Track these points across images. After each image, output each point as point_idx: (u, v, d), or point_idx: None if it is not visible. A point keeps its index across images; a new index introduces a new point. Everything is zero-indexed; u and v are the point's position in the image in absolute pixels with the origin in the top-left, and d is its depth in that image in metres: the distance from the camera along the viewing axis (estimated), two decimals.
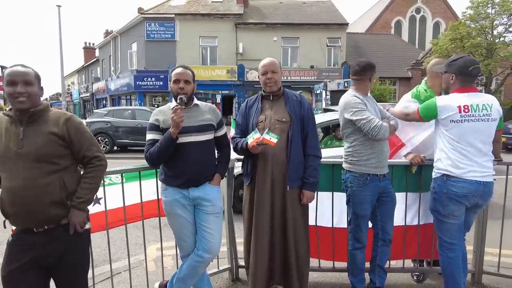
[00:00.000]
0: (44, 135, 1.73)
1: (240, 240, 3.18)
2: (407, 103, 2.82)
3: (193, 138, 2.27)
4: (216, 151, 2.49)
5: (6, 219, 1.78)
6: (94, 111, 15.17)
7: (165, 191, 2.33)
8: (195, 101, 2.38)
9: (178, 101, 2.20)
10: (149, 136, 2.30)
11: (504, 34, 17.30)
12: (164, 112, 2.31)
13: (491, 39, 17.09)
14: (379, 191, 2.52)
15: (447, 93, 2.54)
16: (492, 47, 16.95)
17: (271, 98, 2.54)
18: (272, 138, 2.27)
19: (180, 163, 2.26)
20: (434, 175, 2.48)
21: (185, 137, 2.24)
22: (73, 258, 1.84)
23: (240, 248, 3.10)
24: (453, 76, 2.36)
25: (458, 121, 2.28)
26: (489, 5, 16.77)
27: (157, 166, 2.36)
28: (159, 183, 2.56)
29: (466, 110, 2.27)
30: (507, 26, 17.01)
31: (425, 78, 2.87)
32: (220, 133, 2.45)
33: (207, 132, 2.33)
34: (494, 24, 16.97)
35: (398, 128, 2.65)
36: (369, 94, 2.63)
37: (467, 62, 2.31)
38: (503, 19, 16.89)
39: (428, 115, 2.42)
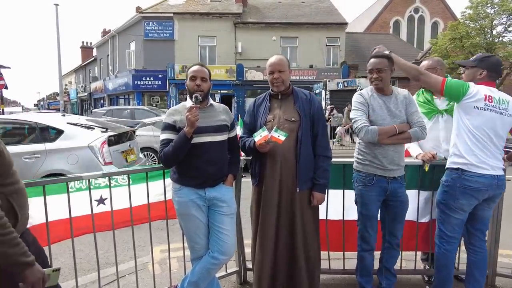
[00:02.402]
0: None
1: (248, 241, 3.12)
2: None
3: (211, 138, 2.24)
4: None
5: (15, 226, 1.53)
6: (93, 110, 15.07)
7: (179, 191, 2.27)
8: (211, 101, 2.35)
9: (193, 100, 2.15)
10: (164, 135, 2.24)
11: (504, 34, 17.38)
12: (180, 111, 2.26)
13: (491, 38, 17.15)
14: (386, 193, 2.46)
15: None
16: (492, 47, 16.97)
17: (279, 97, 2.48)
18: (280, 136, 2.21)
19: (198, 163, 2.21)
20: (448, 165, 2.47)
21: (203, 137, 2.20)
22: None
23: (248, 250, 3.04)
24: (484, 71, 2.44)
25: (482, 108, 2.33)
26: (489, 5, 16.81)
27: (171, 166, 2.29)
28: (167, 183, 2.50)
29: (490, 100, 2.34)
30: (506, 26, 17.06)
31: None
32: (232, 134, 2.43)
33: (223, 133, 2.31)
34: (493, 24, 17.02)
35: (421, 136, 2.44)
36: (396, 92, 2.50)
37: (499, 61, 2.49)
38: (502, 19, 16.94)
39: (454, 90, 2.38)
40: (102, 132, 4.84)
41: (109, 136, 4.88)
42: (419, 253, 3.05)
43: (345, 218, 2.86)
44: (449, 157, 2.49)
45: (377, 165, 2.42)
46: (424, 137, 2.47)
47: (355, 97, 2.51)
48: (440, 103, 2.83)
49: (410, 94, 2.56)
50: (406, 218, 2.65)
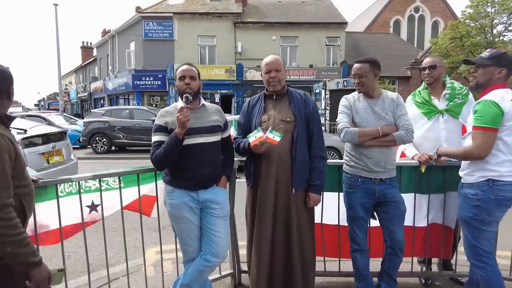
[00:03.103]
0: None
1: (241, 243, 3.09)
2: (407, 109, 2.76)
3: (204, 139, 2.21)
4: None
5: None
6: (92, 110, 15.06)
7: (172, 193, 2.23)
8: (202, 101, 2.31)
9: (184, 100, 2.11)
10: (155, 137, 2.21)
11: (504, 33, 17.29)
12: (171, 113, 2.22)
13: (491, 38, 17.06)
14: (376, 196, 2.43)
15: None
16: (492, 46, 16.89)
17: (274, 98, 2.46)
18: (275, 137, 2.19)
19: (191, 164, 2.18)
20: (474, 179, 2.25)
21: (195, 138, 2.17)
22: None
23: (242, 252, 3.01)
24: (503, 69, 2.21)
25: None
26: (489, 4, 16.72)
27: (163, 168, 2.26)
28: (159, 185, 2.47)
29: None
30: (506, 25, 16.97)
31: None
32: (226, 134, 2.39)
33: (216, 133, 2.28)
34: (493, 23, 16.94)
35: (407, 140, 2.40)
36: (384, 95, 2.47)
37: None
38: (502, 18, 16.84)
39: (499, 120, 2.13)
40: (18, 133, 4.77)
41: (26, 138, 4.80)
42: None
43: (340, 224, 2.81)
44: (471, 171, 2.27)
45: (362, 166, 2.42)
46: (410, 140, 2.42)
47: (341, 100, 2.57)
48: (439, 103, 2.78)
49: (400, 97, 2.51)
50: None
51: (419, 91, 2.90)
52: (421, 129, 2.75)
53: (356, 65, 2.47)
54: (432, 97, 2.80)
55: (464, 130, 2.78)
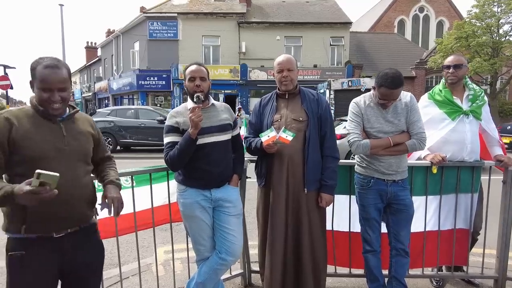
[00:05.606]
0: (84, 134, 1.72)
1: (251, 242, 3.08)
2: (424, 109, 2.73)
3: (215, 138, 2.20)
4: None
5: (23, 224, 1.53)
6: (97, 110, 15.08)
7: (184, 192, 2.23)
8: (212, 100, 2.30)
9: (195, 100, 2.11)
10: (168, 138, 2.20)
11: (510, 33, 17.16)
12: (182, 113, 2.22)
13: (497, 37, 16.95)
14: (387, 197, 2.40)
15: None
16: (498, 46, 16.80)
17: (286, 97, 2.44)
18: (288, 136, 2.17)
19: (203, 164, 2.17)
20: None
21: (207, 138, 2.17)
22: (95, 259, 1.79)
23: (252, 252, 3.00)
24: None
25: None
26: (495, 4, 16.62)
27: (178, 169, 2.25)
28: (171, 185, 2.47)
29: None
30: None
31: (443, 79, 2.79)
32: (235, 132, 2.39)
33: (226, 132, 2.28)
34: (500, 22, 16.82)
35: (419, 148, 2.37)
36: (401, 100, 2.36)
37: None
38: (509, 17, 16.74)
39: None
40: None
41: None
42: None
43: (352, 230, 2.75)
44: None
45: (375, 168, 2.40)
46: (422, 148, 2.39)
47: (351, 106, 2.48)
48: (462, 104, 2.67)
49: (413, 99, 2.41)
50: (412, 230, 2.56)
51: (440, 90, 2.77)
52: (443, 130, 2.66)
53: (392, 91, 2.24)
54: (454, 97, 2.70)
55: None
